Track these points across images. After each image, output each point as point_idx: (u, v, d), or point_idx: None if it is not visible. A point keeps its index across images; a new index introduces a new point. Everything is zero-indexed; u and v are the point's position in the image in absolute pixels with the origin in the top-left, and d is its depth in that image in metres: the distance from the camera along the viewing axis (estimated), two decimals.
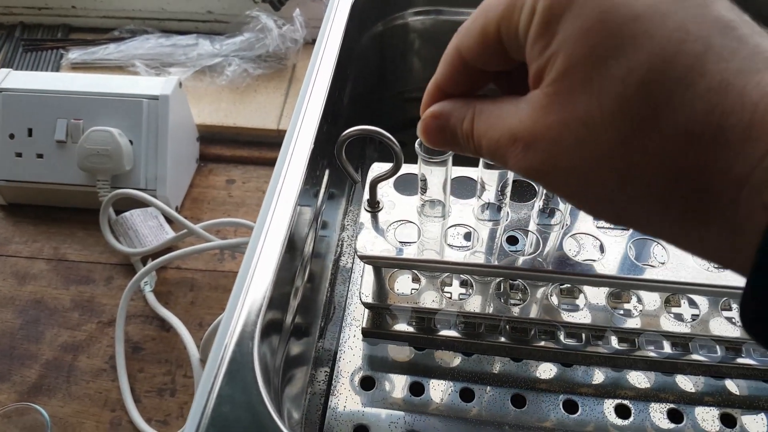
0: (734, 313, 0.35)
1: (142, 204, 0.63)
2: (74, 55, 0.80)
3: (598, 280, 0.33)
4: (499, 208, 0.35)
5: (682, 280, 0.31)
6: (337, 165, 0.36)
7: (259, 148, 0.74)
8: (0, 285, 0.61)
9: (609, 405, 0.36)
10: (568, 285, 0.37)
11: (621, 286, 0.35)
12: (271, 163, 0.73)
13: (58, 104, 0.65)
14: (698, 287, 0.31)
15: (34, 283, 0.61)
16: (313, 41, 0.80)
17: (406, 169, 0.35)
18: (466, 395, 0.36)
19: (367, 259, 0.33)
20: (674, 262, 0.32)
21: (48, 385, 0.54)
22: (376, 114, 0.36)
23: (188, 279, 0.62)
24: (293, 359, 0.33)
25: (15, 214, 0.68)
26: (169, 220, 0.65)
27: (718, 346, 0.35)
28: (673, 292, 0.35)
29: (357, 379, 0.37)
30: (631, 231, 0.34)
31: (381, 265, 0.35)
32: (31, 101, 0.65)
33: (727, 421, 0.35)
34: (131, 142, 0.63)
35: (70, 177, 0.64)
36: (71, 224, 0.66)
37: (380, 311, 0.37)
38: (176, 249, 0.60)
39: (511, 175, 0.33)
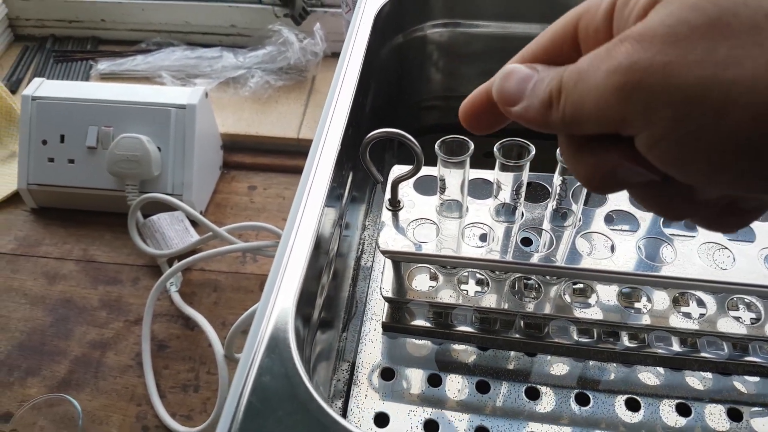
0: (741, 313, 0.37)
1: (168, 208, 0.65)
2: (103, 66, 0.83)
3: (610, 276, 0.34)
4: (514, 209, 0.37)
5: (690, 277, 0.33)
6: (360, 168, 0.38)
7: (280, 156, 0.76)
8: (31, 284, 0.64)
9: (620, 399, 0.37)
10: (581, 285, 0.38)
11: (631, 282, 0.36)
12: (291, 170, 0.75)
13: (89, 112, 0.68)
14: (705, 283, 0.33)
15: (63, 283, 0.64)
16: (333, 54, 0.83)
17: (425, 171, 0.37)
18: (482, 388, 0.38)
19: (389, 254, 0.35)
20: (682, 261, 0.34)
21: (77, 380, 0.56)
22: (395, 122, 0.37)
23: (212, 280, 0.64)
24: (320, 351, 0.35)
25: (45, 217, 0.71)
26: (194, 224, 0.67)
27: (725, 344, 0.37)
28: (682, 288, 0.36)
29: (377, 370, 0.39)
30: (639, 230, 0.36)
31: (401, 260, 0.37)
32: (64, 109, 0.68)
33: (734, 416, 0.37)
34: (159, 148, 0.66)
35: (100, 182, 0.67)
36: (99, 227, 0.69)
37: (399, 306, 0.39)
38: (201, 251, 0.62)
39: (525, 177, 0.35)
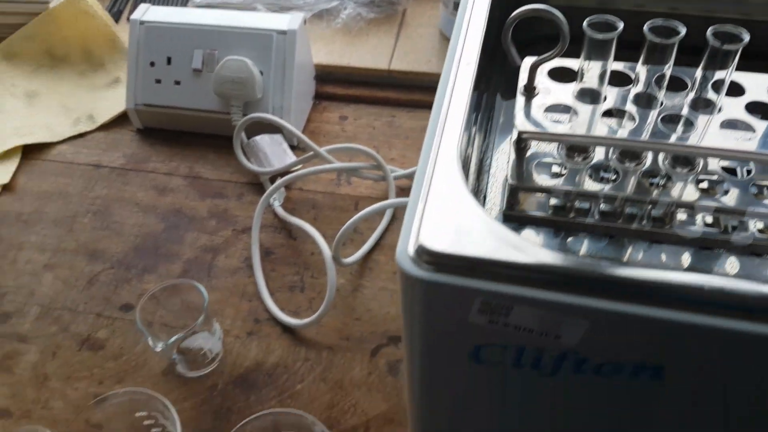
0: None
1: (269, 130, 0.68)
2: None
3: (750, 155, 0.35)
4: (653, 98, 0.37)
5: None
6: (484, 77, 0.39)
7: (371, 87, 0.78)
8: (142, 195, 0.68)
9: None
10: (712, 178, 0.39)
11: None
12: (381, 102, 0.77)
13: (194, 36, 0.71)
14: None
15: (172, 196, 0.68)
16: None
17: (560, 62, 0.38)
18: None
19: (526, 135, 0.37)
20: None
21: (191, 277, 0.60)
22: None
23: (310, 199, 0.67)
24: None
25: (151, 137, 0.75)
26: (292, 147, 0.70)
27: None
28: None
29: None
30: None
31: (540, 139, 0.38)
32: (170, 33, 0.71)
33: None
34: (261, 72, 0.68)
35: (205, 103, 0.70)
36: (203, 147, 0.73)
37: (521, 196, 0.41)
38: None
39: (669, 69, 0.35)
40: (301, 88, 0.72)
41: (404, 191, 0.67)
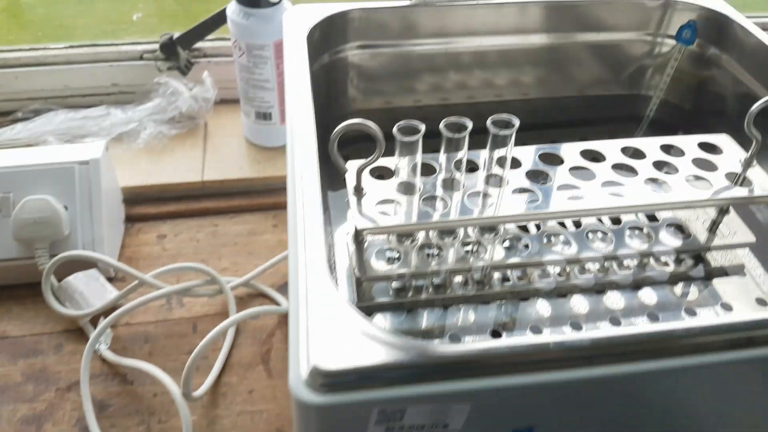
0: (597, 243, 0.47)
1: (82, 267, 0.63)
2: None
3: (540, 215, 0.42)
4: (456, 180, 0.43)
5: (600, 207, 0.42)
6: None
7: (186, 201, 0.76)
8: None
9: (565, 325, 0.45)
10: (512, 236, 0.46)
11: (560, 216, 0.45)
12: (199, 213, 0.76)
13: None
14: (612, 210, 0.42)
15: None
16: (222, 101, 0.86)
17: (377, 162, 0.43)
18: (455, 340, 0.43)
19: (368, 231, 0.40)
20: (586, 197, 0.43)
21: None
22: (329, 132, 0.42)
23: (141, 333, 0.62)
24: None
25: None
26: (110, 279, 0.65)
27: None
28: (592, 215, 0.46)
29: None
30: (553, 181, 0.45)
31: (378, 233, 0.42)
32: None
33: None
34: (66, 207, 0.63)
35: (4, 251, 0.62)
36: (5, 301, 0.64)
37: (365, 284, 0.44)
38: (123, 306, 0.60)
39: (464, 156, 0.42)
40: (110, 217, 0.68)
41: (244, 301, 0.66)
